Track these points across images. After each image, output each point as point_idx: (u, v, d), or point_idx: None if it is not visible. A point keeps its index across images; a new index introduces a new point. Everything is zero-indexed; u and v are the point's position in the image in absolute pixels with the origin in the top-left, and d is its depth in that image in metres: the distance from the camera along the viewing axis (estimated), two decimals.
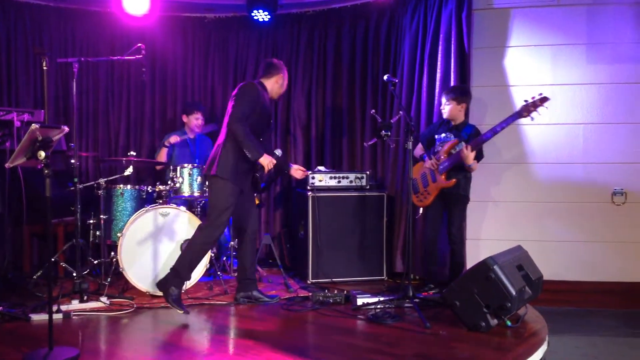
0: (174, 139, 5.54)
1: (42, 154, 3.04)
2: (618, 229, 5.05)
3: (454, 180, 4.60)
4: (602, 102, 5.08)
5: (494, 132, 4.43)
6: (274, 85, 4.45)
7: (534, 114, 4.31)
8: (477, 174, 5.23)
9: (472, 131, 4.70)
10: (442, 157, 4.64)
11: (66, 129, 3.22)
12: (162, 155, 5.54)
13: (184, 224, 4.64)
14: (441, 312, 4.03)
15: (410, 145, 4.22)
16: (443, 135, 4.77)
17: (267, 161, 4.18)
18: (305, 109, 6.22)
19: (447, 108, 4.73)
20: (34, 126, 2.99)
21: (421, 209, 4.85)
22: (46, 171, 3.05)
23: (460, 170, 4.65)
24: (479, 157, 4.65)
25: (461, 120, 4.76)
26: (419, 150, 4.97)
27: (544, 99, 4.29)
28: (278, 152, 4.44)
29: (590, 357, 3.73)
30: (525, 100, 4.35)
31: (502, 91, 5.24)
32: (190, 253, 4.17)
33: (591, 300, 5.01)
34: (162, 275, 4.44)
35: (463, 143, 4.58)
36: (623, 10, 5.01)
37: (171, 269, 4.13)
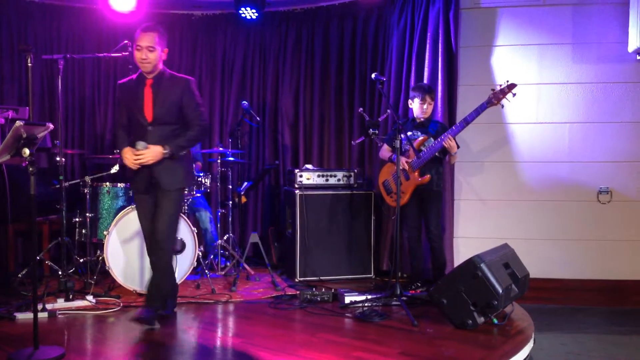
0: None
1: (27, 151, 3.00)
2: (604, 227, 5.09)
3: (428, 176, 4.61)
4: (587, 102, 5.11)
5: (465, 121, 4.44)
6: (132, 57, 3.95)
7: (504, 101, 4.34)
8: (463, 172, 5.26)
9: (438, 127, 4.73)
10: (412, 154, 4.65)
11: (51, 126, 3.19)
12: None
13: None
14: (428, 310, 4.04)
15: (397, 143, 4.23)
16: (409, 133, 4.76)
17: (124, 157, 3.68)
18: (293, 107, 6.21)
19: (430, 108, 4.74)
20: (18, 123, 2.95)
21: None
22: (31, 169, 3.02)
23: (432, 167, 4.66)
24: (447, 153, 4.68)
25: (427, 117, 4.78)
26: (386, 152, 4.93)
27: (511, 86, 4.32)
28: (140, 144, 3.63)
29: (576, 354, 3.76)
30: (493, 89, 4.37)
31: (489, 90, 5.23)
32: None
33: (577, 298, 5.04)
34: (148, 274, 4.43)
35: (432, 139, 4.62)
36: (608, 10, 5.05)
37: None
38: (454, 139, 4.51)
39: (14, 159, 3.11)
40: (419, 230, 4.85)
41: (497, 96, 4.35)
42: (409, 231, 4.86)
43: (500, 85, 4.35)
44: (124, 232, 4.51)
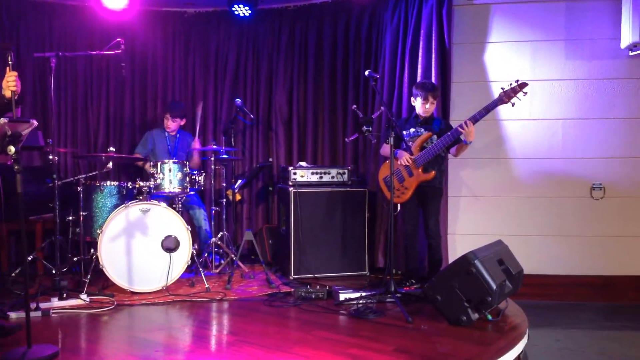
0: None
1: (12, 149, 2.96)
2: (597, 223, 5.11)
3: (433, 172, 4.61)
4: (580, 98, 5.13)
5: (474, 119, 4.42)
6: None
7: (514, 100, 4.34)
8: (457, 168, 5.27)
9: (441, 123, 4.74)
10: (415, 151, 4.65)
11: (35, 122, 3.14)
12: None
13: (164, 220, 4.60)
14: (423, 307, 4.05)
15: (391, 140, 4.23)
16: (412, 130, 4.77)
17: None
18: (287, 104, 6.20)
19: (432, 107, 4.72)
20: (2, 121, 2.92)
21: (399, 206, 4.85)
22: (16, 167, 2.97)
23: (435, 164, 4.66)
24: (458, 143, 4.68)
25: (430, 114, 4.78)
26: (388, 148, 4.93)
27: (522, 85, 4.33)
28: None
29: (570, 350, 3.77)
30: (502, 88, 4.37)
31: (482, 86, 5.27)
32: None
33: (571, 293, 5.06)
34: (142, 272, 4.43)
35: (435, 136, 4.62)
36: (601, 7, 5.06)
37: None
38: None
39: None
40: (417, 227, 4.86)
41: (508, 94, 4.35)
42: (408, 228, 4.85)
43: (511, 84, 4.34)
44: (118, 231, 4.49)
